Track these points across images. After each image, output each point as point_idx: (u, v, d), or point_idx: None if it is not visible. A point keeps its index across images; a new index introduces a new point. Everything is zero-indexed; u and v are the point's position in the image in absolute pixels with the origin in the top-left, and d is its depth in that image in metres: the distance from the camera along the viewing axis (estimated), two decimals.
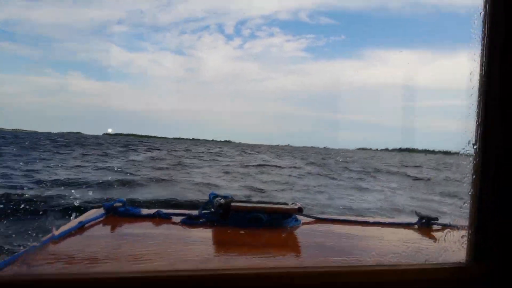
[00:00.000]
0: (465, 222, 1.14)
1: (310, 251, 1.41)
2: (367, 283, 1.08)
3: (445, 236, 1.38)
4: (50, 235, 1.33)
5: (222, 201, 1.66)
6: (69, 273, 1.06)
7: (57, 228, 1.41)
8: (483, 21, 1.09)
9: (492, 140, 1.06)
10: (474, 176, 1.09)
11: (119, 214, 1.71)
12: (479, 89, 1.08)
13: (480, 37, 1.09)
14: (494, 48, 1.06)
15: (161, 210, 1.75)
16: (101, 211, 1.72)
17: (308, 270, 1.09)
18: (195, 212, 1.75)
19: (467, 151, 1.12)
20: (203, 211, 1.74)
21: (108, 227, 1.58)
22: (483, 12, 1.09)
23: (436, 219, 1.81)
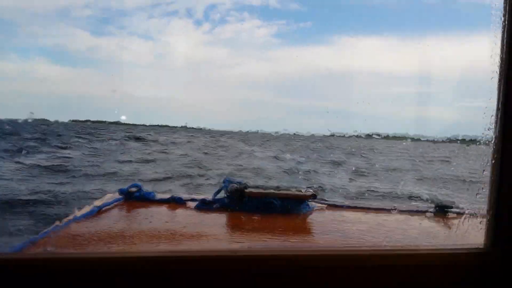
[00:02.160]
0: (481, 208, 1.16)
1: (323, 235, 1.44)
2: (383, 266, 1.07)
3: (462, 222, 1.39)
4: (69, 218, 1.36)
5: (236, 186, 1.69)
6: (86, 252, 1.09)
7: (76, 212, 1.43)
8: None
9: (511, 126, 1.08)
10: (493, 161, 1.11)
11: (135, 198, 1.73)
12: (500, 74, 1.08)
13: (502, 22, 1.07)
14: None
15: (175, 195, 1.77)
16: (117, 195, 1.74)
17: (323, 251, 1.10)
18: (209, 198, 1.78)
19: (486, 137, 1.16)
20: (216, 197, 1.77)
21: (124, 211, 1.60)
22: None
23: (451, 206, 1.83)
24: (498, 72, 1.09)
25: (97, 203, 1.58)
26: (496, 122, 1.11)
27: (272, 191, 1.70)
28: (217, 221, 1.58)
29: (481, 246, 1.12)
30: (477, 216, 1.24)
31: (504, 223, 1.09)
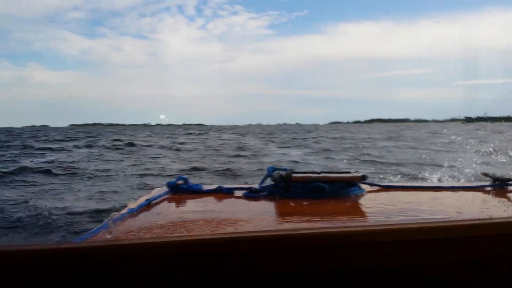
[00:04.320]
0: None
1: (377, 217, 1.39)
2: (448, 239, 1.02)
3: None
4: (122, 212, 1.38)
5: (283, 173, 1.65)
6: (148, 238, 1.10)
7: (128, 205, 1.45)
8: None
9: None
10: None
11: (182, 191, 1.74)
12: None
13: None
14: None
15: (222, 185, 1.75)
16: (165, 189, 1.76)
17: (380, 228, 1.06)
18: (255, 187, 1.75)
19: None
20: (263, 185, 1.75)
21: (173, 203, 1.61)
22: None
23: (511, 179, 1.76)
24: None
25: (146, 196, 1.59)
26: None
27: (319, 175, 1.67)
28: (265, 208, 1.56)
29: None
30: None
31: None
